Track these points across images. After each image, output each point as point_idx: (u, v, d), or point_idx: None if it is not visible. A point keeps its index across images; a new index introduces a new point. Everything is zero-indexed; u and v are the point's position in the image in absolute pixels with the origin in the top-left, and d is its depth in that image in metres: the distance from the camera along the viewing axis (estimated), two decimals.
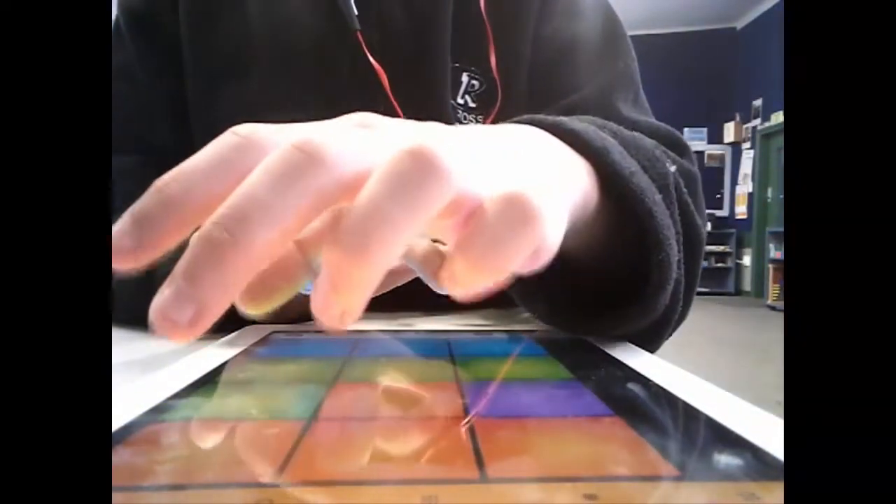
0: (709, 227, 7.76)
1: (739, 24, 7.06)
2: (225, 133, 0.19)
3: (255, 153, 0.18)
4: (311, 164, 0.17)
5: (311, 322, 0.38)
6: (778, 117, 6.26)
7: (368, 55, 0.52)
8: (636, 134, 0.35)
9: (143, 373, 0.28)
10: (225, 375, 0.23)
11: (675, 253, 0.30)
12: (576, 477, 0.13)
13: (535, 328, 0.34)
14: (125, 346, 0.35)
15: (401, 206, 0.16)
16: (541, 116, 0.30)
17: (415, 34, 0.54)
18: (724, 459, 0.15)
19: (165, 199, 0.17)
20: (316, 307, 0.17)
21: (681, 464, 0.14)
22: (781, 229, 5.83)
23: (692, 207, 0.36)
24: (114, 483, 0.13)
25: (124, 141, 0.56)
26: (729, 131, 7.18)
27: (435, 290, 0.32)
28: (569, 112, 0.38)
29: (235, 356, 0.26)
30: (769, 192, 6.63)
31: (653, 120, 0.54)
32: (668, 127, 0.50)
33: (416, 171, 0.17)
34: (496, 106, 0.56)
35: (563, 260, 0.19)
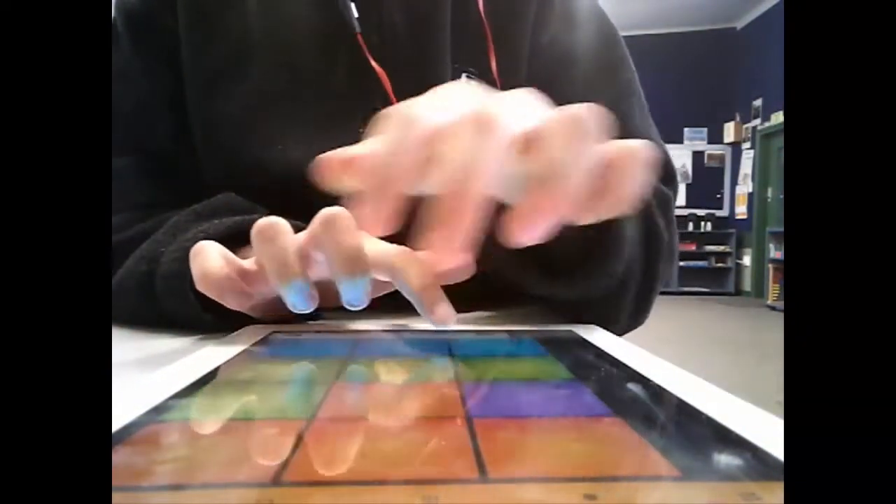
0: (709, 227, 7.71)
1: (739, 24, 7.06)
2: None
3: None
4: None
5: (312, 322, 0.38)
6: (778, 117, 6.26)
7: (369, 57, 0.52)
8: None
9: (143, 373, 0.28)
10: (225, 375, 0.23)
11: (629, 228, 0.37)
12: (576, 477, 0.13)
13: (535, 328, 0.34)
14: (125, 346, 0.35)
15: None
16: None
17: (414, 36, 0.55)
18: (725, 459, 0.15)
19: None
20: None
21: (681, 464, 0.14)
22: (781, 229, 5.82)
23: (654, 211, 0.43)
24: (114, 483, 0.13)
25: (122, 142, 0.56)
26: (729, 131, 7.18)
27: (423, 314, 0.33)
28: None
29: (235, 356, 0.26)
30: (769, 192, 6.63)
31: (653, 136, 0.58)
32: (665, 149, 0.57)
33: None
34: None
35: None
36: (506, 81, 0.57)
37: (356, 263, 0.30)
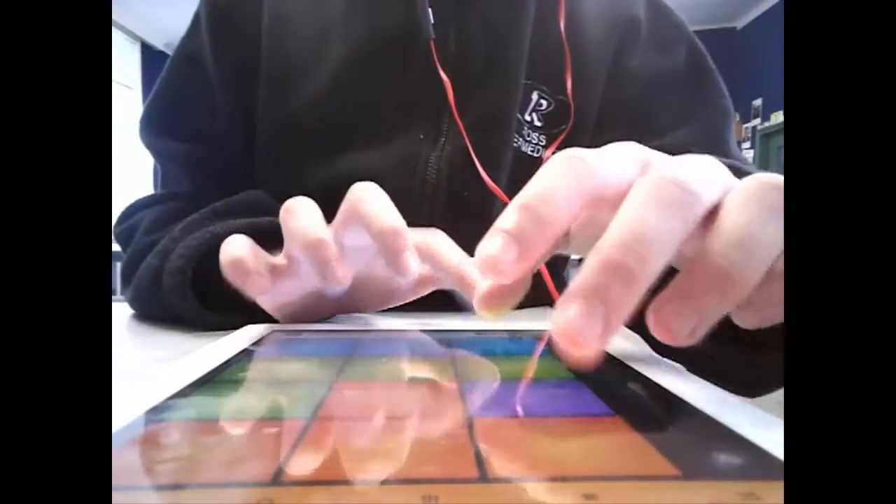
0: None
1: (739, 24, 7.05)
2: (559, 157, 0.21)
3: (596, 179, 0.20)
4: (690, 197, 0.19)
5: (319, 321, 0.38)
6: (778, 117, 6.26)
7: (437, 65, 0.52)
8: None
9: (144, 372, 0.28)
10: (225, 375, 0.23)
11: None
12: (576, 477, 0.13)
13: (535, 328, 0.34)
14: (127, 346, 0.35)
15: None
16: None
17: (489, 49, 0.54)
18: (724, 459, 0.15)
19: (539, 218, 0.19)
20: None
21: (681, 463, 0.14)
22: None
23: None
24: (114, 483, 0.13)
25: (181, 126, 0.56)
26: None
27: (468, 308, 0.32)
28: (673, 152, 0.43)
29: (235, 356, 0.26)
30: None
31: (744, 160, 0.58)
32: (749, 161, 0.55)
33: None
34: (566, 127, 0.57)
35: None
36: (578, 104, 0.57)
37: (396, 219, 0.30)
